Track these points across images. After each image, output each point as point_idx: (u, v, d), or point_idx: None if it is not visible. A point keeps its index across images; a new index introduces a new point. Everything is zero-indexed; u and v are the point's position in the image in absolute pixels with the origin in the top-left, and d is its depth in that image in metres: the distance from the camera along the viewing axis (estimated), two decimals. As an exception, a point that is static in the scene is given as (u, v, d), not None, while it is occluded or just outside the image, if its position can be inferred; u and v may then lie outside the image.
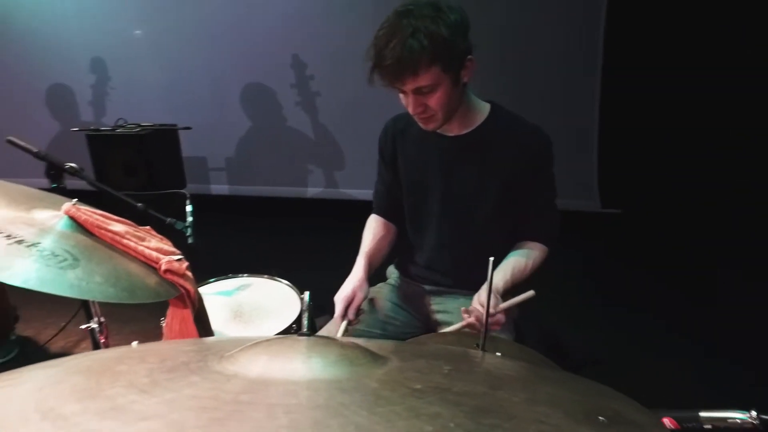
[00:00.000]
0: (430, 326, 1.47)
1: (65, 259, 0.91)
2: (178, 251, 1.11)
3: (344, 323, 1.32)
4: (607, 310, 2.57)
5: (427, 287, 1.48)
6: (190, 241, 1.52)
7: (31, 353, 2.17)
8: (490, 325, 1.18)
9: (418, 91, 1.16)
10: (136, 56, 3.93)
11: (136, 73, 3.96)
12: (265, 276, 1.61)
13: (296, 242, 3.44)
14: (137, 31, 3.90)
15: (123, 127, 3.37)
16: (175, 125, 3.49)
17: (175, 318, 1.14)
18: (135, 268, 1.02)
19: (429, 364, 0.46)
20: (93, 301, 1.26)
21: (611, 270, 3.01)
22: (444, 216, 1.39)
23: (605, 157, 3.52)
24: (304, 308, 0.51)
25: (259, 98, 3.95)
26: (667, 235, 3.18)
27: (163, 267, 1.04)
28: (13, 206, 1.05)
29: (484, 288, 1.24)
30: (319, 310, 1.49)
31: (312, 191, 4.12)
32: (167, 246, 1.12)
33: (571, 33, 3.38)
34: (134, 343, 0.52)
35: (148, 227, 1.16)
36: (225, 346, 0.49)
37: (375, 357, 0.46)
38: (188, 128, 3.50)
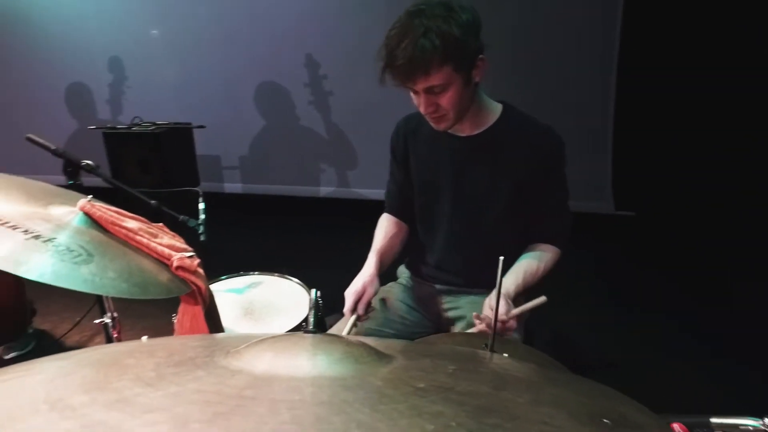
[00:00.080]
0: (441, 325, 1.47)
1: (80, 255, 0.92)
2: (190, 248, 1.13)
3: (353, 317, 1.33)
4: (619, 313, 2.54)
5: (438, 287, 1.48)
6: (202, 238, 1.54)
7: (47, 346, 2.22)
8: (503, 332, 1.17)
9: (429, 91, 1.16)
10: (153, 56, 3.99)
11: (152, 72, 4.01)
12: (276, 274, 1.62)
13: (308, 241, 3.45)
14: (154, 31, 3.95)
15: (139, 125, 3.42)
16: (189, 124, 3.53)
17: (186, 314, 1.16)
18: (147, 265, 1.03)
19: (434, 363, 0.46)
20: (106, 297, 1.28)
21: (624, 272, 2.98)
22: (455, 216, 1.39)
23: (619, 158, 3.47)
24: (311, 305, 0.51)
25: (272, 97, 3.97)
26: (681, 238, 3.13)
27: (175, 264, 1.06)
28: (31, 202, 1.07)
29: (496, 292, 1.23)
30: (329, 309, 1.50)
31: (324, 190, 4.14)
32: (179, 243, 1.13)
33: (586, 32, 3.34)
34: (144, 338, 0.53)
35: (160, 224, 1.17)
36: (232, 342, 0.49)
37: (380, 355, 0.46)
38: (202, 127, 3.53)
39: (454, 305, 1.44)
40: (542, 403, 0.37)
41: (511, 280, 1.28)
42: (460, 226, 1.40)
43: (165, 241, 1.10)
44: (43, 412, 0.31)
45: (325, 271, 1.72)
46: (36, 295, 2.18)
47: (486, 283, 1.26)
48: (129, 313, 2.30)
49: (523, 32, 3.36)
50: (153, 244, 1.07)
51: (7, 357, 2.10)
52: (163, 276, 1.04)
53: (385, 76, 1.17)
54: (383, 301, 1.47)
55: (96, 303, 1.32)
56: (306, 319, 1.38)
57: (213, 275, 1.58)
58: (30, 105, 4.21)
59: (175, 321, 1.21)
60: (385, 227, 1.52)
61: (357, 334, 1.34)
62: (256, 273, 1.63)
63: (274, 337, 0.47)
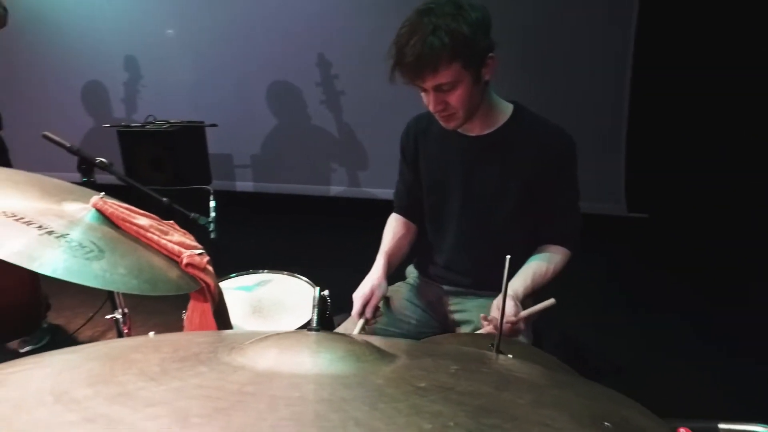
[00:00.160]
0: (448, 326, 1.47)
1: (91, 251, 0.93)
2: (199, 246, 1.14)
3: (361, 321, 1.33)
4: (630, 316, 2.51)
5: (445, 287, 1.48)
6: (212, 236, 1.55)
7: (61, 341, 2.25)
8: (511, 333, 1.17)
9: (438, 89, 1.16)
10: (167, 55, 4.04)
11: (166, 71, 4.06)
12: (285, 272, 1.63)
13: (318, 240, 3.47)
14: (169, 31, 4.00)
15: (152, 123, 3.46)
16: (202, 122, 3.57)
17: (195, 311, 1.17)
18: (158, 261, 1.04)
19: (436, 363, 0.46)
20: (117, 293, 1.29)
21: (636, 275, 2.95)
22: (464, 216, 1.39)
23: (633, 159, 3.43)
24: (315, 303, 0.51)
25: (284, 97, 4.00)
26: (694, 241, 3.09)
27: (185, 261, 1.07)
28: (46, 198, 1.09)
29: (502, 292, 1.23)
30: (338, 308, 1.50)
31: (335, 190, 4.15)
32: (189, 240, 1.14)
33: (601, 31, 3.31)
34: (151, 334, 0.54)
35: (171, 221, 1.18)
36: (237, 338, 0.50)
37: (383, 354, 0.46)
38: (215, 125, 3.57)
39: (461, 308, 1.43)
40: (544, 404, 0.37)
41: (520, 282, 1.27)
42: (469, 225, 1.39)
43: (175, 238, 1.11)
44: (48, 404, 0.31)
45: (334, 270, 1.73)
46: (50, 290, 2.22)
47: (494, 285, 1.26)
48: (140, 309, 2.33)
49: (536, 31, 3.34)
50: (163, 242, 1.08)
51: (22, 351, 2.14)
52: (173, 273, 1.05)
53: (395, 74, 1.17)
54: (390, 300, 1.47)
55: (108, 299, 1.34)
56: (318, 318, 1.39)
57: (223, 273, 1.59)
58: (47, 103, 4.28)
59: (185, 317, 1.23)
60: (393, 228, 1.52)
61: (363, 334, 1.34)
62: (266, 271, 1.64)
63: (278, 335, 0.47)
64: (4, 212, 0.95)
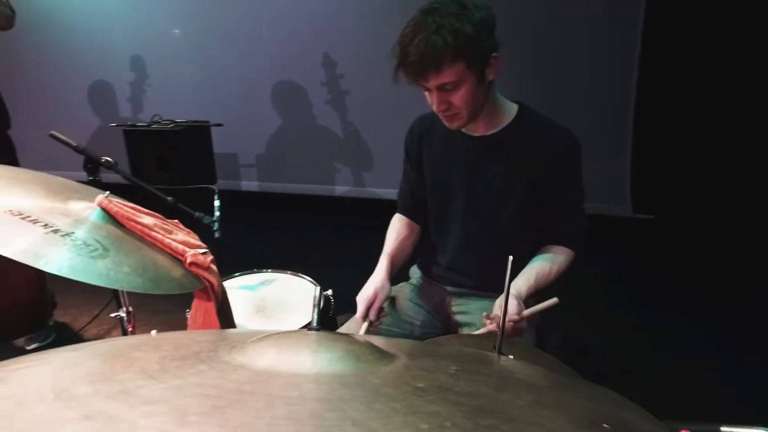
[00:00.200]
0: (451, 327, 1.47)
1: (96, 249, 0.94)
2: (203, 245, 1.14)
3: (365, 324, 1.33)
4: (636, 318, 2.50)
5: (448, 288, 1.48)
6: (216, 235, 1.56)
7: (67, 339, 2.27)
8: (514, 332, 1.17)
9: (441, 88, 1.16)
10: (173, 55, 4.06)
11: (172, 71, 4.08)
12: (289, 272, 1.63)
13: (323, 239, 3.47)
14: (176, 30, 4.02)
15: (158, 123, 3.48)
16: (207, 122, 3.58)
17: (199, 310, 1.17)
18: (162, 260, 1.05)
19: (437, 363, 0.46)
20: (122, 291, 1.30)
21: (641, 277, 2.93)
22: (468, 216, 1.38)
23: (639, 160, 3.41)
24: (315, 303, 0.51)
25: (289, 96, 4.01)
26: (701, 242, 3.07)
27: (189, 260, 1.07)
28: (51, 197, 1.09)
29: (504, 292, 1.23)
30: (343, 308, 1.51)
31: (340, 189, 4.15)
32: (193, 239, 1.15)
33: (607, 31, 3.29)
34: (153, 332, 0.54)
35: (176, 221, 1.19)
36: (238, 338, 0.50)
37: (382, 354, 0.46)
38: (220, 125, 3.58)
39: (464, 310, 1.43)
40: (542, 405, 0.37)
41: (523, 282, 1.27)
42: (473, 226, 1.39)
43: (179, 237, 1.12)
44: (48, 401, 0.32)
45: (339, 270, 1.73)
46: (57, 288, 2.23)
47: (497, 287, 1.26)
48: (145, 308, 2.34)
49: (542, 30, 3.33)
50: (167, 240, 1.09)
51: (29, 348, 2.16)
52: (177, 272, 1.05)
53: (399, 74, 1.18)
54: (393, 301, 1.47)
55: (113, 297, 1.35)
56: (318, 317, 1.39)
57: (228, 272, 1.60)
58: (55, 102, 4.32)
59: (189, 316, 1.23)
60: (396, 229, 1.52)
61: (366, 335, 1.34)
62: (269, 270, 1.64)
63: (278, 334, 0.47)
64: (10, 210, 0.95)
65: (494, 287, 1.32)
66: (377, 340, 0.62)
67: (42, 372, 0.37)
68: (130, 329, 1.29)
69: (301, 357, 0.41)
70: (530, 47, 3.23)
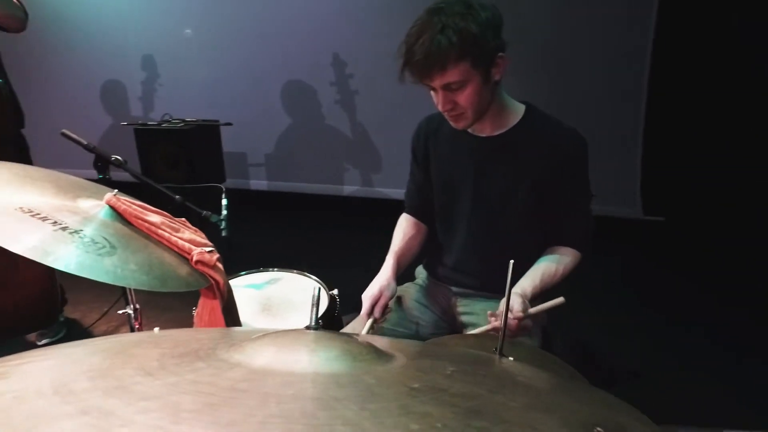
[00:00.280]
0: (456, 328, 1.47)
1: (103, 247, 0.95)
2: (210, 243, 1.15)
3: (369, 321, 1.33)
4: (645, 321, 2.48)
5: (454, 289, 1.48)
6: (224, 233, 1.57)
7: (77, 334, 2.30)
8: (518, 331, 1.16)
9: (447, 88, 1.16)
10: (184, 55, 4.09)
11: (182, 70, 4.12)
12: (295, 271, 1.64)
13: (330, 239, 3.48)
14: (187, 30, 4.05)
15: (168, 122, 3.51)
16: (217, 121, 3.61)
17: (204, 308, 1.18)
18: (168, 258, 1.06)
19: (434, 364, 0.46)
20: (129, 289, 1.32)
21: (651, 280, 2.91)
22: (474, 217, 1.38)
23: (649, 161, 3.37)
24: (314, 302, 0.52)
25: (298, 96, 4.02)
26: (712, 245, 3.03)
27: (195, 258, 1.08)
28: (61, 195, 1.11)
29: (512, 293, 1.23)
30: (349, 307, 1.51)
31: (348, 189, 4.16)
32: (200, 238, 1.16)
33: (618, 30, 3.25)
34: (156, 329, 0.55)
35: (183, 219, 1.20)
36: (239, 336, 0.51)
37: (380, 354, 0.46)
38: (229, 124, 3.60)
39: (469, 310, 1.43)
40: (536, 408, 0.37)
41: (529, 282, 1.27)
42: (479, 226, 1.39)
43: (186, 235, 1.13)
44: (47, 396, 0.32)
45: (345, 270, 1.74)
46: (67, 285, 2.27)
47: (502, 288, 1.24)
48: (153, 305, 2.37)
49: (552, 30, 3.30)
50: (174, 239, 1.10)
51: (40, 343, 2.20)
52: (183, 270, 1.06)
53: (404, 73, 1.18)
54: (399, 300, 1.47)
55: (122, 295, 1.36)
56: (324, 317, 1.40)
57: (235, 270, 1.61)
58: (67, 102, 4.38)
59: (195, 314, 1.25)
60: (403, 228, 1.52)
61: (371, 334, 1.35)
62: (276, 269, 1.65)
63: (277, 333, 0.48)
64: (21, 208, 0.97)
65: (500, 288, 1.30)
66: (379, 340, 0.63)
67: (43, 367, 0.38)
68: (137, 326, 1.30)
69: (298, 356, 0.42)
70: (540, 47, 3.22)
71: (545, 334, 1.42)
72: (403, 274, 1.47)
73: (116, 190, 1.11)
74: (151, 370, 0.37)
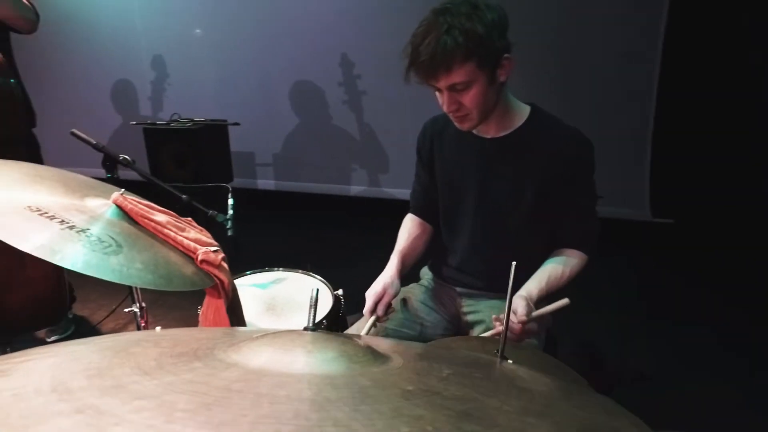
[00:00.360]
0: (461, 328, 1.47)
1: (110, 245, 0.96)
2: (215, 243, 1.16)
3: (372, 319, 1.34)
4: (653, 325, 2.46)
5: (458, 289, 1.48)
6: (230, 233, 1.58)
7: (85, 332, 2.33)
8: (523, 334, 1.16)
9: (452, 89, 1.16)
10: (193, 55, 4.12)
11: (192, 70, 4.15)
12: (300, 271, 1.65)
13: (337, 239, 3.49)
14: (197, 30, 4.08)
15: (177, 121, 3.54)
16: (225, 121, 3.63)
17: (210, 307, 1.19)
18: (174, 257, 1.07)
19: (431, 366, 0.46)
20: (135, 287, 1.33)
21: (659, 283, 2.88)
22: (479, 218, 1.38)
23: (658, 162, 3.34)
24: (311, 303, 0.52)
25: (306, 96, 4.04)
26: (722, 248, 3.00)
27: (200, 257, 1.09)
28: (69, 194, 1.12)
29: (518, 296, 1.22)
30: (354, 308, 1.51)
31: (355, 189, 4.17)
32: (205, 237, 1.17)
33: (628, 30, 3.22)
34: (157, 328, 0.55)
35: (189, 218, 1.21)
36: (239, 335, 0.51)
37: (376, 356, 0.46)
38: (237, 124, 3.62)
39: (474, 309, 1.43)
40: (530, 412, 0.37)
41: (534, 284, 1.26)
42: (483, 227, 1.38)
43: (191, 235, 1.14)
44: (44, 393, 0.33)
45: (351, 270, 1.74)
46: (76, 282, 2.29)
47: (506, 288, 1.25)
48: (161, 303, 2.39)
49: (560, 30, 3.28)
50: (180, 238, 1.11)
51: (49, 340, 2.23)
52: (188, 269, 1.07)
53: (410, 74, 1.18)
54: (404, 301, 1.47)
55: (129, 293, 1.38)
56: (329, 317, 1.41)
57: (241, 270, 1.62)
58: (78, 101, 4.43)
59: (200, 313, 1.26)
60: (408, 228, 1.52)
61: (376, 334, 1.35)
62: (281, 269, 1.66)
63: (275, 333, 0.48)
64: (29, 207, 0.98)
65: (505, 288, 1.30)
66: (381, 341, 0.63)
67: (45, 365, 0.39)
68: (142, 324, 1.32)
69: (294, 357, 0.42)
70: (550, 47, 3.20)
71: (550, 336, 1.41)
72: (408, 275, 1.47)
73: (123, 190, 1.13)
74: (149, 369, 0.38)
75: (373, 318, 1.33)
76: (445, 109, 1.23)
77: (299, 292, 1.53)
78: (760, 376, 2.00)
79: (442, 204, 1.46)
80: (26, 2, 1.89)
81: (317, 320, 1.37)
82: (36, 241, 0.89)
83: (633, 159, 3.41)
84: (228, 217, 1.59)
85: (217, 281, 1.13)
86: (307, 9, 3.76)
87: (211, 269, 1.11)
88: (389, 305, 1.36)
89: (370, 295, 1.35)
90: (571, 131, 1.28)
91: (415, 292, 1.52)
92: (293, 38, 3.84)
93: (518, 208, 1.32)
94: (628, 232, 3.18)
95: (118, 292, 1.99)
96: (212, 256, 1.11)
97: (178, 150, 3.37)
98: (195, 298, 1.24)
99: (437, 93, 1.22)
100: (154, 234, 1.10)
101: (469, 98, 1.17)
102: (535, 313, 1.18)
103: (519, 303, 1.17)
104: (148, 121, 3.63)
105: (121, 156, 1.46)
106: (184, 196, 1.54)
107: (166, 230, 1.11)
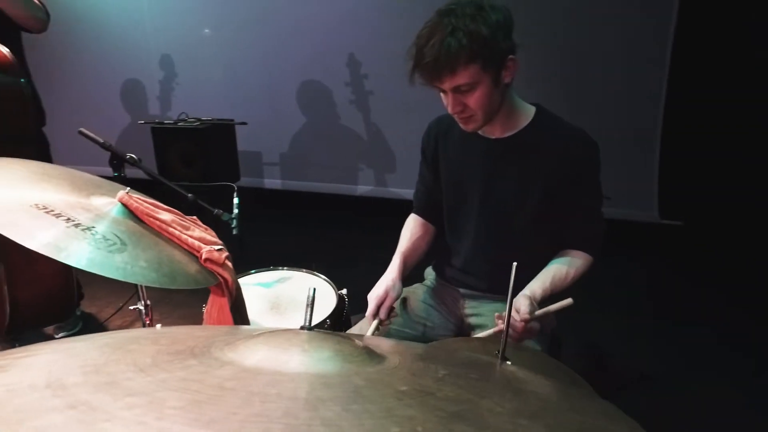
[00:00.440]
0: (463, 330, 1.46)
1: (114, 243, 0.97)
2: (219, 241, 1.16)
3: (375, 322, 1.33)
4: (660, 327, 2.43)
5: (462, 290, 1.47)
6: (234, 232, 1.59)
7: (93, 328, 2.35)
8: (525, 333, 1.16)
9: (456, 90, 1.16)
10: (201, 54, 4.15)
11: (199, 70, 4.17)
12: (305, 270, 1.65)
13: (343, 239, 3.50)
14: (206, 30, 4.11)
15: (185, 121, 3.56)
16: (232, 120, 3.65)
17: (214, 305, 1.20)
18: (178, 256, 1.08)
19: (427, 367, 0.46)
20: (140, 285, 1.34)
21: (667, 285, 2.85)
22: (483, 218, 1.37)
23: (667, 163, 3.30)
24: (308, 303, 0.52)
25: (313, 96, 4.04)
26: (732, 251, 2.96)
27: (204, 256, 1.10)
28: (76, 192, 1.13)
29: (521, 294, 1.22)
30: (359, 308, 1.51)
31: (362, 189, 4.17)
32: (210, 236, 1.17)
33: (637, 31, 3.19)
34: (158, 326, 0.56)
35: (194, 217, 1.22)
36: (237, 334, 0.51)
37: (371, 355, 0.46)
38: (244, 123, 3.64)
39: (477, 312, 1.42)
40: (523, 414, 0.37)
41: (539, 284, 1.26)
42: (487, 228, 1.38)
43: (196, 233, 1.15)
44: (39, 389, 0.33)
45: (357, 270, 1.74)
46: (84, 280, 2.31)
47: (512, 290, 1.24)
48: (167, 301, 2.41)
49: (568, 30, 3.26)
50: (184, 236, 1.12)
51: (57, 336, 2.25)
52: (192, 267, 1.08)
53: (414, 75, 1.18)
54: (406, 301, 1.47)
55: (136, 290, 1.39)
56: (332, 317, 1.41)
57: (246, 269, 1.63)
58: (88, 101, 4.47)
59: (205, 311, 1.26)
60: (411, 229, 1.52)
61: (377, 334, 1.35)
62: (285, 268, 1.66)
63: (272, 332, 0.48)
64: (36, 205, 0.99)
65: (507, 291, 1.30)
66: (382, 342, 0.63)
67: (43, 361, 0.39)
68: (147, 322, 1.33)
69: (289, 356, 0.42)
70: (558, 47, 3.18)
71: (554, 337, 1.40)
72: (411, 275, 1.47)
73: (129, 188, 1.14)
74: (144, 366, 0.38)
75: (376, 321, 1.33)
76: (449, 110, 1.22)
77: (303, 292, 1.51)
78: (764, 379, 1.97)
79: (447, 204, 1.46)
80: (37, 2, 1.91)
81: (321, 320, 1.37)
82: (42, 238, 0.90)
83: (642, 159, 3.38)
84: (233, 216, 1.60)
85: (221, 280, 1.13)
86: (315, 9, 3.77)
87: (215, 268, 1.12)
88: (391, 308, 1.36)
89: (372, 298, 1.35)
90: (577, 132, 1.27)
91: (417, 292, 1.52)
92: (301, 38, 3.85)
93: (523, 208, 1.31)
94: (635, 234, 3.16)
95: (125, 290, 2.01)
96: (216, 254, 1.12)
97: (186, 149, 3.39)
98: (201, 296, 1.25)
99: (442, 94, 1.22)
100: (158, 232, 1.11)
101: (473, 100, 1.17)
102: (539, 312, 1.17)
103: (522, 301, 1.17)
104: (156, 121, 3.65)
105: (128, 155, 1.47)
106: (189, 195, 1.55)
107: (170, 229, 1.11)
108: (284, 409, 0.32)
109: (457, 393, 0.39)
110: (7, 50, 1.69)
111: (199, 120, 3.53)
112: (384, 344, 0.61)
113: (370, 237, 3.37)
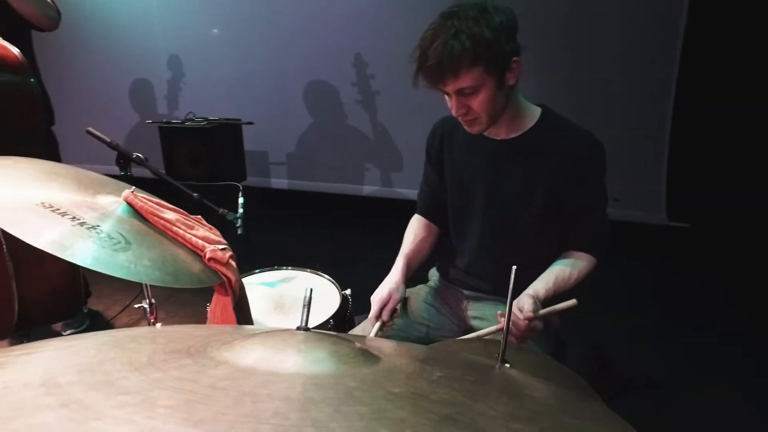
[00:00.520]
0: (467, 332, 1.45)
1: (119, 242, 0.98)
2: (223, 241, 1.17)
3: (378, 324, 1.34)
4: (667, 330, 2.41)
5: (465, 292, 1.47)
6: (239, 231, 1.60)
7: (100, 326, 2.37)
8: (527, 332, 1.15)
9: (460, 93, 1.16)
10: (209, 54, 4.18)
11: (207, 69, 4.20)
12: (309, 270, 1.66)
13: (349, 239, 3.50)
14: (215, 30, 4.13)
15: (192, 120, 3.58)
16: (239, 120, 3.67)
17: (218, 305, 1.21)
18: (182, 255, 1.08)
19: (423, 368, 0.46)
20: (145, 284, 1.35)
21: (675, 287, 2.83)
22: (487, 220, 1.37)
23: (675, 165, 3.27)
24: (305, 303, 0.52)
25: (320, 96, 4.05)
26: (739, 253, 2.93)
27: (208, 255, 1.10)
28: (82, 191, 1.14)
29: (524, 294, 1.21)
30: (364, 308, 1.52)
31: (368, 189, 4.18)
32: (214, 235, 1.18)
33: (645, 31, 3.17)
34: (158, 325, 0.56)
35: (198, 216, 1.23)
36: (236, 334, 0.51)
37: (367, 356, 0.46)
38: (251, 123, 3.65)
39: (480, 314, 1.42)
40: (516, 418, 0.36)
41: (542, 284, 1.25)
42: (492, 230, 1.37)
43: (200, 233, 1.15)
44: (34, 387, 0.34)
45: (362, 270, 1.74)
46: (91, 278, 2.33)
47: (515, 292, 1.24)
48: (173, 300, 2.42)
49: (576, 30, 3.24)
50: (188, 236, 1.12)
51: (65, 333, 2.27)
52: (196, 266, 1.08)
53: (418, 78, 1.18)
54: (409, 302, 1.47)
55: (142, 290, 1.40)
56: (336, 317, 1.41)
57: (252, 268, 1.64)
58: (97, 100, 4.52)
59: (209, 310, 1.27)
60: (414, 230, 1.52)
61: (380, 336, 1.35)
62: (289, 268, 1.67)
63: (268, 332, 0.48)
64: (42, 203, 1.01)
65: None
66: (383, 343, 0.63)
67: (40, 359, 0.40)
68: (152, 320, 1.34)
69: (284, 356, 0.42)
70: (568, 48, 3.16)
71: (558, 338, 1.40)
72: (414, 276, 1.47)
73: (134, 187, 1.14)
74: (139, 365, 0.38)
75: (378, 324, 1.33)
76: (453, 113, 1.22)
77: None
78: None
79: (451, 205, 1.46)
80: (49, 0, 1.93)
81: (324, 320, 1.38)
82: (48, 237, 0.91)
83: (650, 161, 3.35)
84: (238, 215, 1.60)
85: (225, 279, 1.14)
86: (322, 9, 3.78)
87: (218, 267, 1.13)
88: (395, 310, 1.36)
89: (375, 300, 1.35)
90: (582, 133, 1.26)
91: (421, 293, 1.52)
92: (307, 38, 3.87)
93: (528, 209, 1.31)
94: (642, 235, 3.13)
95: (132, 288, 2.02)
96: (220, 254, 1.12)
97: (193, 148, 3.41)
98: (207, 295, 1.25)
99: (446, 97, 1.22)
100: (163, 231, 1.12)
101: (477, 102, 1.16)
102: (542, 312, 1.17)
103: (526, 300, 1.17)
104: (164, 120, 3.68)
105: (135, 154, 1.48)
106: (195, 194, 1.56)
107: (175, 228, 1.12)
108: (275, 410, 0.33)
109: (451, 396, 0.39)
110: (18, 50, 1.70)
111: (206, 119, 3.55)
112: (385, 346, 0.61)
113: (375, 237, 3.37)
